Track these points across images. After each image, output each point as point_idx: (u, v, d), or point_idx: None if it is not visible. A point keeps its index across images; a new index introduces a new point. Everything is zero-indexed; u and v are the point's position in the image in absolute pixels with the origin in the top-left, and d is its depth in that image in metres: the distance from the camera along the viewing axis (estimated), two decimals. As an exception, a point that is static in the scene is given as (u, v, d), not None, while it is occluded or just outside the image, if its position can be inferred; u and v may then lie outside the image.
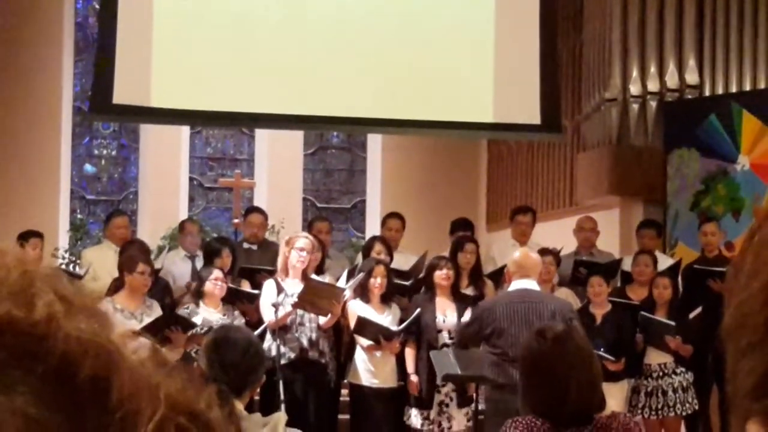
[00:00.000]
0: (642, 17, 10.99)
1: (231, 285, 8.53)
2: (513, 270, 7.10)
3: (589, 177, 11.33)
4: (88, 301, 0.69)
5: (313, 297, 7.97)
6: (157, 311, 7.96)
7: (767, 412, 0.75)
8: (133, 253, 8.42)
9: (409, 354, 8.25)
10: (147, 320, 7.69)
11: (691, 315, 8.45)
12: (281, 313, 7.97)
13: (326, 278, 8.57)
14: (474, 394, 7.81)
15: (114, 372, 0.66)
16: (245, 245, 9.58)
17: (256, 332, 7.37)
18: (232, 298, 8.37)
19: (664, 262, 9.37)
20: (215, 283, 8.10)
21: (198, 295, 8.16)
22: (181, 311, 8.08)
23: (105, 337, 0.67)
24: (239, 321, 8.00)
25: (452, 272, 8.32)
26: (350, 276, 8.63)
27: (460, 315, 8.17)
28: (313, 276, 8.11)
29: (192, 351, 7.60)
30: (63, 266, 11.36)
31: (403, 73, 10.37)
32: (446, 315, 8.23)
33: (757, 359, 0.75)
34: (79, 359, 0.65)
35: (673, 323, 8.26)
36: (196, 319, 7.92)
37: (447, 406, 8.11)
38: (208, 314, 8.00)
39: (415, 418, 8.24)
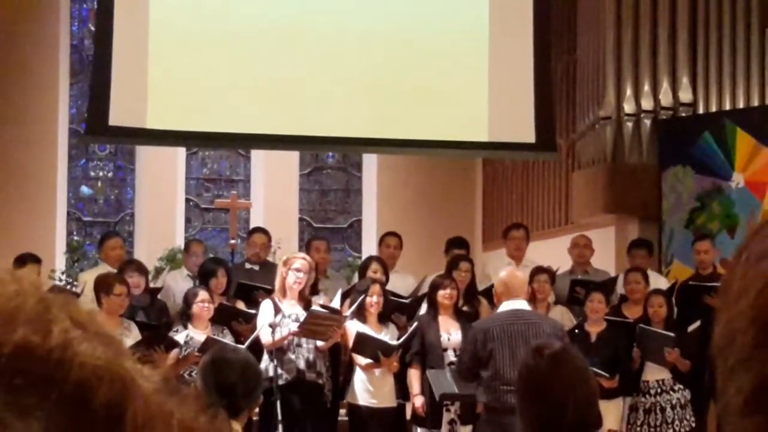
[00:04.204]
0: (635, 36, 11.03)
1: (227, 304, 8.54)
2: (501, 290, 6.94)
3: (584, 195, 11.34)
4: (102, 327, 0.70)
5: (314, 326, 7.97)
6: (135, 332, 7.95)
7: (757, 428, 0.75)
8: (109, 274, 8.45)
9: (414, 375, 8.24)
10: (126, 341, 7.68)
11: (690, 328, 8.46)
12: (278, 335, 7.97)
13: (321, 298, 8.56)
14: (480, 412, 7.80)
15: (128, 399, 0.67)
16: (247, 265, 9.59)
17: (246, 344, 7.38)
18: (228, 318, 8.37)
19: (657, 280, 9.38)
20: (201, 305, 8.11)
21: (185, 317, 8.16)
22: (171, 333, 8.09)
23: (120, 364, 0.68)
24: (229, 340, 8.00)
25: (455, 292, 8.33)
26: (344, 298, 8.61)
27: (464, 332, 8.17)
28: (314, 307, 8.09)
29: (184, 373, 7.60)
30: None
31: (398, 93, 10.39)
32: (450, 333, 8.23)
33: (745, 377, 0.75)
34: (95, 386, 0.66)
35: (672, 334, 8.26)
36: (181, 338, 7.91)
37: (456, 423, 8.09)
38: (196, 335, 8.00)
39: (421, 437, 8.26)
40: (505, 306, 6.88)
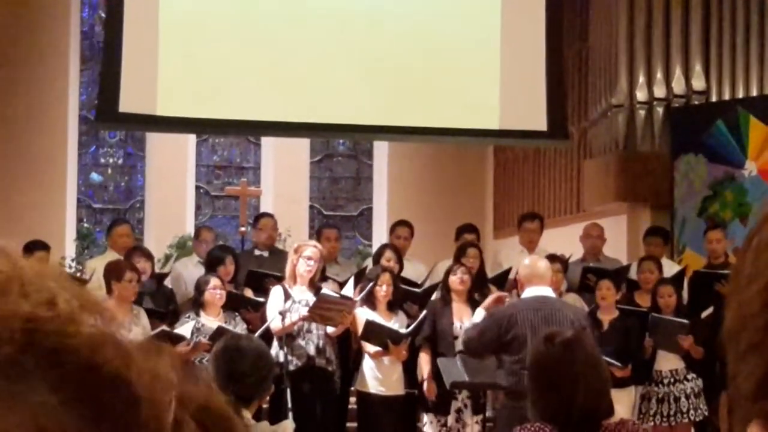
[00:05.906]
0: (648, 23, 10.99)
1: (235, 292, 8.54)
2: (525, 277, 6.96)
3: (595, 183, 11.32)
4: (94, 298, 0.70)
5: (324, 310, 7.97)
6: (144, 320, 7.95)
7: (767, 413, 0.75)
8: (119, 261, 8.45)
9: (425, 359, 8.23)
10: (135, 329, 7.66)
11: (704, 314, 8.43)
12: (288, 320, 7.97)
13: (330, 285, 8.56)
14: (485, 401, 7.79)
15: (132, 367, 0.67)
16: (256, 252, 9.60)
17: (257, 333, 7.38)
18: (237, 306, 8.37)
19: (671, 268, 9.35)
20: (213, 292, 8.10)
21: (198, 304, 8.15)
22: (182, 320, 8.09)
23: (118, 334, 0.69)
24: (241, 327, 8.00)
25: (467, 276, 8.31)
26: (357, 280, 8.61)
27: None
28: (325, 290, 8.08)
29: (195, 359, 7.61)
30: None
31: (409, 80, 10.38)
32: (463, 321, 8.18)
33: (757, 361, 0.75)
34: (100, 355, 0.66)
35: (686, 321, 8.24)
36: (190, 326, 7.89)
37: (462, 412, 8.08)
38: (208, 323, 7.99)
39: (429, 424, 8.24)
40: (529, 292, 6.88)
